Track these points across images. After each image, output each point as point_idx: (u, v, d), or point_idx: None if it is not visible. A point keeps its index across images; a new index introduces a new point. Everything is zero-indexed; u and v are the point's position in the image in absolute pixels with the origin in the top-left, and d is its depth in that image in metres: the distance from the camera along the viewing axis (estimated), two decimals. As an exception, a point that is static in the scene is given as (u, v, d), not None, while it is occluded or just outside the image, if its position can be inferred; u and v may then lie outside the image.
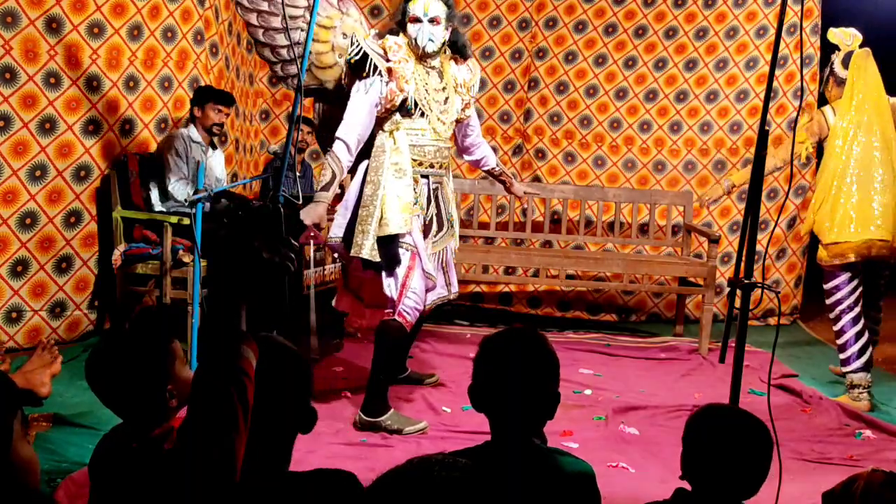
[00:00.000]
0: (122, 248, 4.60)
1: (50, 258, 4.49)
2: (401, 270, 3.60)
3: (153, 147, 4.91)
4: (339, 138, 3.54)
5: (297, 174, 4.91)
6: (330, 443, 3.47)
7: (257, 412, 1.61)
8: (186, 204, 4.22)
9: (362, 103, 3.57)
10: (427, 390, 4.24)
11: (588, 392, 4.35)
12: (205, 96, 4.73)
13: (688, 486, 1.86)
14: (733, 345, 2.49)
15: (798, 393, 4.47)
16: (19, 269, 4.38)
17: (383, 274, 3.61)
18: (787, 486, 2.50)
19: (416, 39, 3.62)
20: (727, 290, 5.83)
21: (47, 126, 4.41)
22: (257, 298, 1.71)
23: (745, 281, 2.45)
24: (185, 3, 4.93)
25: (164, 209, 4.68)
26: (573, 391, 4.31)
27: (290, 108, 5.88)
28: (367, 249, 3.53)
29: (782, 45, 5.98)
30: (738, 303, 2.48)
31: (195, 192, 3.89)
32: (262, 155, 6.13)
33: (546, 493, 1.81)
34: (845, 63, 4.37)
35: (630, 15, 6.31)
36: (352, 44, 3.59)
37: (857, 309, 4.33)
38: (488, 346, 1.92)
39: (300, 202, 3.33)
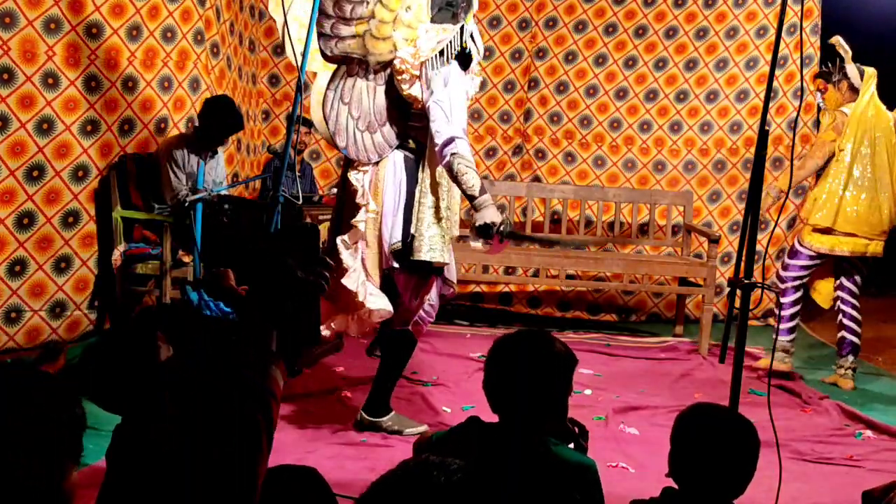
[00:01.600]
0: (121, 248, 4.60)
1: (48, 258, 4.49)
2: (424, 281, 3.45)
3: (153, 147, 4.90)
4: (460, 137, 3.18)
5: (297, 174, 4.91)
6: (330, 443, 3.47)
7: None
8: (185, 204, 4.22)
9: (465, 98, 3.29)
10: (427, 390, 4.23)
11: (588, 392, 4.35)
12: (213, 120, 4.64)
13: (674, 485, 1.87)
14: (733, 345, 2.49)
15: (798, 393, 4.47)
16: (17, 269, 4.37)
17: (413, 280, 3.41)
18: (787, 485, 2.50)
19: (464, 41, 3.32)
20: (727, 290, 5.83)
21: (45, 126, 4.40)
22: (290, 317, 1.70)
23: (745, 281, 2.44)
24: (185, 3, 4.92)
25: (160, 209, 4.68)
26: (573, 391, 4.30)
27: (290, 108, 5.88)
28: (448, 254, 3.36)
29: (782, 45, 5.97)
30: (738, 303, 2.47)
31: (194, 192, 3.89)
32: (263, 155, 6.13)
33: (549, 487, 1.82)
34: (861, 73, 4.62)
35: (630, 15, 6.30)
36: (461, 32, 3.23)
37: (801, 293, 4.80)
38: (497, 347, 1.96)
39: (300, 202, 3.31)
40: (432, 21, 3.29)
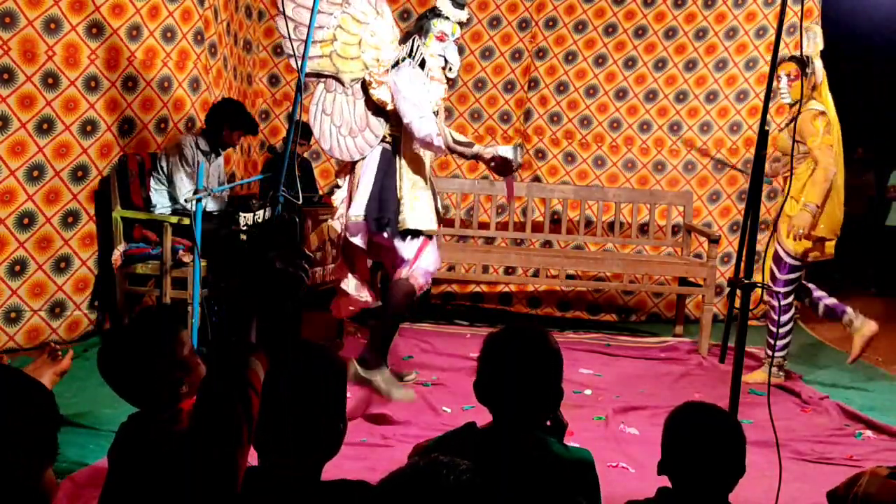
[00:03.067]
0: (121, 248, 4.60)
1: (48, 258, 4.49)
2: (418, 240, 3.86)
3: (152, 147, 4.90)
4: (431, 117, 3.77)
5: (297, 173, 4.91)
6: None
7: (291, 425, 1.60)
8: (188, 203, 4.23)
9: (426, 95, 3.81)
10: (427, 390, 4.23)
11: (588, 392, 4.35)
12: (238, 123, 4.77)
13: (667, 483, 1.88)
14: (733, 345, 2.49)
15: (798, 393, 4.47)
16: (17, 268, 4.37)
17: (407, 238, 3.84)
18: (787, 486, 2.50)
19: (445, 58, 3.90)
20: (727, 290, 5.83)
21: (45, 126, 4.41)
22: (270, 309, 1.70)
23: (745, 281, 2.45)
24: (184, 3, 4.92)
25: (166, 210, 4.68)
26: (573, 391, 4.30)
27: (290, 108, 5.87)
28: (434, 223, 3.92)
29: (782, 45, 5.96)
30: (738, 303, 2.48)
31: (194, 192, 3.89)
32: (262, 155, 6.13)
33: (545, 480, 1.82)
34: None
35: (630, 15, 6.31)
36: (412, 45, 3.83)
37: (794, 308, 4.67)
38: (490, 341, 1.96)
39: (300, 202, 3.35)
40: (400, 43, 3.91)
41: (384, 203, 3.85)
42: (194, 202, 3.85)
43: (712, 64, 6.29)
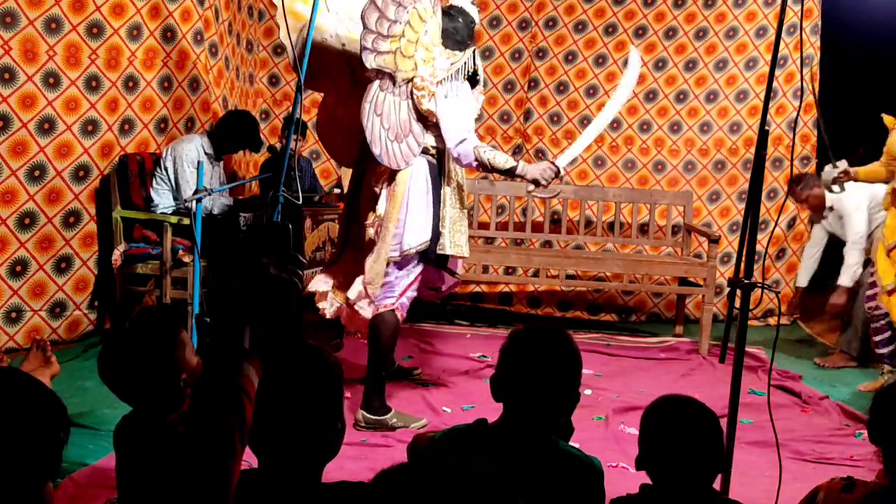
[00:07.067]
0: (121, 248, 4.60)
1: (49, 258, 4.49)
2: (415, 271, 3.71)
3: (152, 147, 4.91)
4: (471, 135, 3.60)
5: (297, 173, 4.91)
6: (330, 443, 3.47)
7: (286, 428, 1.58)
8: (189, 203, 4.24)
9: (472, 108, 3.71)
10: (427, 390, 4.23)
11: (588, 392, 4.35)
12: (246, 142, 4.92)
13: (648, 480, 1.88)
14: (733, 345, 2.49)
15: (798, 393, 4.47)
16: (18, 269, 4.38)
17: (402, 268, 3.69)
18: (787, 486, 2.50)
19: (475, 65, 3.72)
20: (727, 290, 5.83)
21: (46, 126, 4.41)
22: (264, 315, 1.69)
23: (745, 281, 2.45)
24: (184, 3, 4.93)
25: (167, 210, 4.69)
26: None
27: (290, 108, 5.88)
28: (467, 248, 3.85)
29: (782, 45, 5.97)
30: (738, 303, 2.48)
31: (194, 192, 3.89)
32: (262, 155, 6.13)
33: (554, 485, 1.82)
34: None
35: (630, 15, 6.31)
36: (473, 56, 3.67)
37: None
38: (513, 339, 1.95)
39: (300, 202, 3.35)
40: (443, 45, 3.63)
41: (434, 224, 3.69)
42: (194, 202, 3.85)
43: (712, 64, 6.29)
